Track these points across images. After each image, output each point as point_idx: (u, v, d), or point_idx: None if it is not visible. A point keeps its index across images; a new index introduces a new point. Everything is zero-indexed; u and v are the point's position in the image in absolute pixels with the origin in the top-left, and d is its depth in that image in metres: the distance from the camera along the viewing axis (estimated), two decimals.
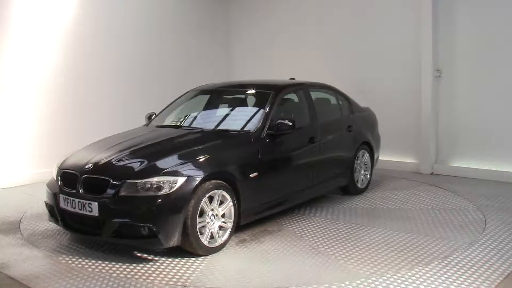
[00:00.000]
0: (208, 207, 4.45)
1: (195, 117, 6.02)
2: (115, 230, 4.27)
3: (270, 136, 5.24)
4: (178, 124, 5.88)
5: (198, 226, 4.33)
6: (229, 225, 4.65)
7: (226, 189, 4.58)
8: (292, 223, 5.44)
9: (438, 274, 3.96)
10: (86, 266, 4.24)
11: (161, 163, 4.50)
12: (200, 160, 4.58)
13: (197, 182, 4.32)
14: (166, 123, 5.98)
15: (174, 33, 9.62)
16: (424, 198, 6.41)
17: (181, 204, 4.22)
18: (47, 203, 4.93)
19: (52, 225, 5.31)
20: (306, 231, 5.13)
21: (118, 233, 4.27)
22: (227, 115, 5.94)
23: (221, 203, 4.59)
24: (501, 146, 7.44)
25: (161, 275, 4.04)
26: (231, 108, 6.12)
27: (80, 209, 4.41)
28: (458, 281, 3.83)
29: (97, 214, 4.31)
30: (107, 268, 4.19)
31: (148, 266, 4.23)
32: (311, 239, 4.88)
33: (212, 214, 4.50)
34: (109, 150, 4.91)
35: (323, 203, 6.20)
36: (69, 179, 4.66)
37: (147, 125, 6.06)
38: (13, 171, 7.42)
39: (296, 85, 6.21)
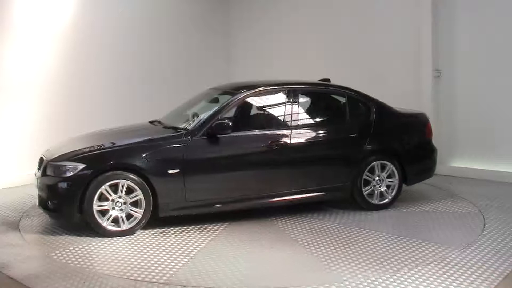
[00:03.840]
0: (110, 194, 4.89)
1: (180, 115, 6.01)
2: (45, 204, 5.04)
3: (210, 136, 5.24)
4: (158, 120, 6.09)
5: (97, 209, 4.86)
6: (138, 214, 4.98)
7: (134, 181, 4.93)
8: (240, 227, 5.25)
9: (438, 274, 3.96)
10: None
11: (79, 151, 5.11)
12: (108, 150, 5.13)
13: (93, 170, 4.86)
14: (159, 119, 6.13)
15: (174, 33, 9.61)
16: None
17: (77, 187, 4.84)
18: None
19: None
20: (235, 237, 4.97)
21: (48, 207, 5.02)
22: (200, 114, 5.77)
23: (132, 192, 4.96)
24: (501, 147, 7.43)
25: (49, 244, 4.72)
26: (208, 107, 5.91)
27: (36, 186, 5.27)
28: (458, 281, 3.83)
29: (37, 189, 5.19)
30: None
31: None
32: (220, 244, 4.77)
33: (119, 202, 4.93)
34: (82, 137, 5.73)
35: (312, 214, 5.66)
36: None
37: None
38: (13, 171, 7.42)
39: (277, 86, 5.92)
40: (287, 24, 9.79)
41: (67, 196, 4.91)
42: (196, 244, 4.79)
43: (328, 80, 6.48)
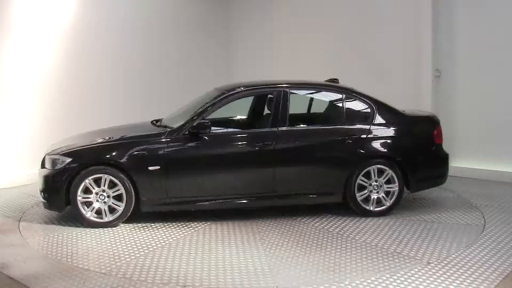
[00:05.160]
0: (93, 187, 5.17)
1: (183, 115, 5.94)
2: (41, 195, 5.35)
3: (193, 134, 5.31)
4: (160, 119, 6.12)
5: (82, 200, 5.16)
6: (120, 208, 5.21)
7: (116, 176, 5.16)
8: (221, 226, 5.26)
9: (438, 274, 3.97)
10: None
11: (70, 146, 5.40)
12: (92, 146, 5.36)
13: (77, 164, 5.15)
14: (162, 118, 6.16)
15: (175, 34, 9.62)
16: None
17: (63, 180, 5.14)
18: None
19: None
20: (208, 235, 5.00)
21: (42, 197, 5.33)
22: (191, 113, 5.74)
23: (116, 186, 5.20)
24: (501, 147, 7.43)
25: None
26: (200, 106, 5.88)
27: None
28: (458, 281, 3.83)
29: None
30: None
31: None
32: (187, 241, 4.82)
33: (102, 195, 5.19)
34: (82, 135, 5.94)
35: (302, 218, 5.51)
36: None
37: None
38: (13, 171, 7.42)
39: (269, 86, 5.82)
40: (287, 24, 9.79)
41: (56, 188, 5.19)
42: (164, 239, 4.88)
43: (336, 80, 6.27)
